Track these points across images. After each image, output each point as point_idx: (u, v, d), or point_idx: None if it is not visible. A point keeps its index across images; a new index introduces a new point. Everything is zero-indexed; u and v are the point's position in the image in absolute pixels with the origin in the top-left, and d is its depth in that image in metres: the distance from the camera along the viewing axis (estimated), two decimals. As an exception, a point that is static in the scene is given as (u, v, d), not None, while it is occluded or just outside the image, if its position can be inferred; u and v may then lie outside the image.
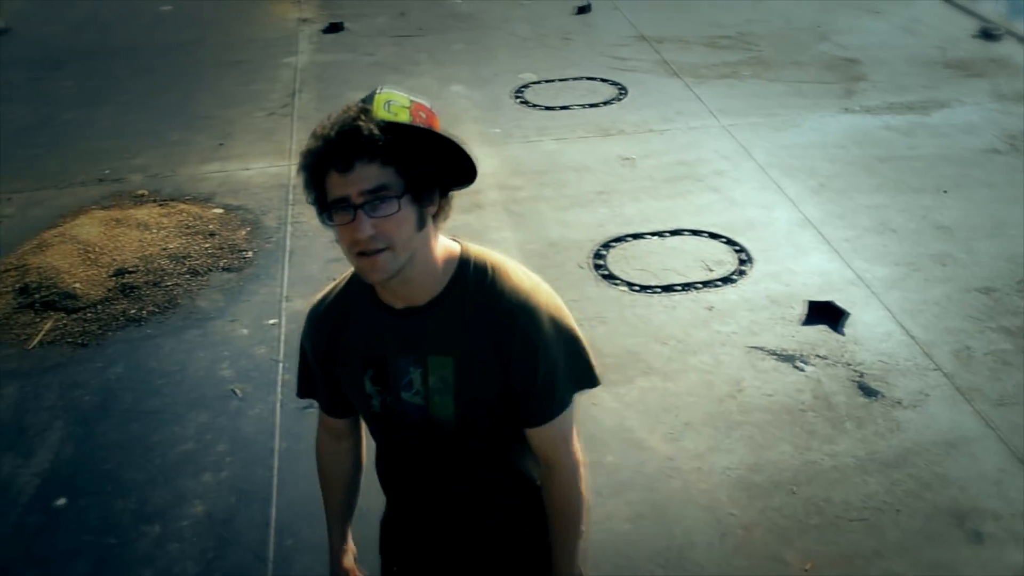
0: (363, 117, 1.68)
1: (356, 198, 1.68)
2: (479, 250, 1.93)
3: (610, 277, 5.02)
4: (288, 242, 5.41)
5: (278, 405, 4.17)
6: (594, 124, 6.86)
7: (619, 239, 5.35)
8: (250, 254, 5.33)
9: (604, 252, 5.24)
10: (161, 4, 9.82)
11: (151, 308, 4.84)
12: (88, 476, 3.82)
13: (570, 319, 1.93)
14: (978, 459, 3.79)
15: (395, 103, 1.72)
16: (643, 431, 3.96)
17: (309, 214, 5.59)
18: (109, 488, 3.76)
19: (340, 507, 2.28)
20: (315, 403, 2.19)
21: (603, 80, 7.63)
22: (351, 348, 1.95)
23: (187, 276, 5.09)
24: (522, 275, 1.91)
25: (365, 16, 9.26)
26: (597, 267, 5.08)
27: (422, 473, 2.04)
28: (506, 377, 1.87)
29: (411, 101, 1.75)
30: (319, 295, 2.04)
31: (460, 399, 1.88)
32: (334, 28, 8.91)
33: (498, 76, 7.72)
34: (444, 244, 1.89)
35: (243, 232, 5.53)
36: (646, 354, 4.43)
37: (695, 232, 5.40)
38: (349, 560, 2.29)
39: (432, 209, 1.81)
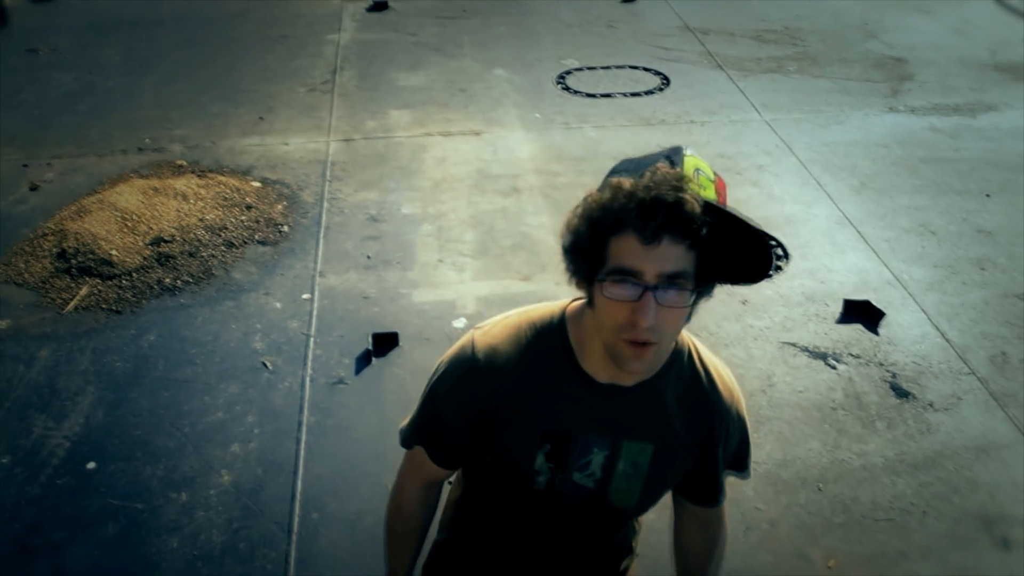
0: (684, 188, 1.45)
1: (652, 278, 1.47)
2: (688, 337, 1.80)
3: (644, 267, 4.98)
4: (324, 218, 5.43)
5: (307, 379, 4.18)
6: (635, 113, 6.81)
7: (655, 229, 5.31)
8: (286, 228, 5.35)
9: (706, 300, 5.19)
10: (208, -23, 9.86)
11: (186, 278, 4.88)
12: (118, 441, 3.86)
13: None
14: (1009, 465, 3.74)
15: (703, 174, 1.53)
16: (671, 422, 3.94)
17: (346, 191, 5.62)
18: (139, 454, 3.79)
19: (413, 553, 2.05)
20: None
21: (646, 69, 7.57)
22: (530, 416, 1.72)
23: (223, 247, 5.12)
24: (727, 370, 1.85)
25: (409, -4, 9.26)
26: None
27: (547, 537, 1.91)
28: (696, 463, 1.83)
29: (715, 175, 1.56)
30: (488, 340, 1.74)
31: (649, 485, 1.79)
32: (379, 7, 8.90)
33: (541, 61, 7.69)
34: None
35: (280, 206, 5.55)
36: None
37: (732, 225, 5.35)
38: None
39: (703, 301, 1.60)
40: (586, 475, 1.75)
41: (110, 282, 4.82)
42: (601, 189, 1.54)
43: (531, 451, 1.73)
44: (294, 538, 3.42)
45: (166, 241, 5.08)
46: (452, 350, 1.80)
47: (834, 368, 4.25)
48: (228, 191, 5.62)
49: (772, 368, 4.26)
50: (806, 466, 3.73)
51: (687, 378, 1.74)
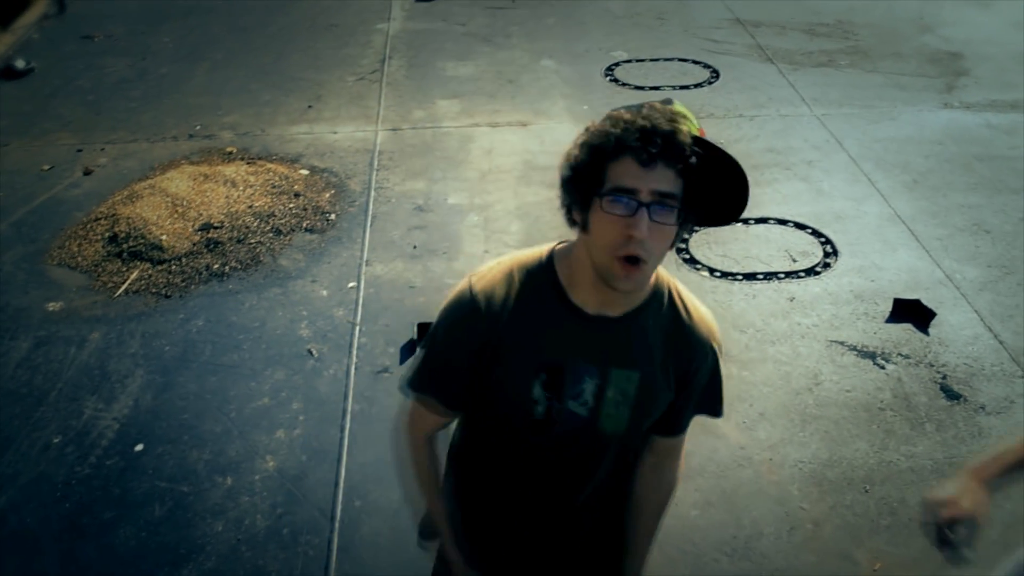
0: (679, 121, 1.65)
1: (646, 195, 1.63)
2: (671, 278, 1.94)
3: (691, 262, 4.95)
4: (371, 207, 5.45)
5: (352, 367, 4.21)
6: (684, 106, 6.74)
7: (702, 224, 5.27)
8: (333, 217, 5.38)
9: (686, 236, 5.16)
10: (259, -35, 9.93)
11: (234, 264, 4.92)
12: (166, 424, 3.92)
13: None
14: (1063, 472, 3.66)
15: (691, 120, 1.70)
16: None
17: (393, 180, 5.65)
18: (186, 438, 3.84)
19: (438, 484, 2.12)
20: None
21: (695, 62, 7.51)
22: (525, 348, 1.84)
23: (271, 235, 5.16)
24: (705, 309, 1.97)
25: (459, -14, 9.26)
26: (679, 251, 5.02)
27: (549, 475, 2.00)
28: (675, 395, 1.93)
29: (698, 124, 1.73)
30: (483, 279, 1.88)
31: (636, 412, 1.89)
32: (427, -3, 8.92)
33: (589, 53, 7.65)
34: None
35: (327, 194, 5.58)
36: (724, 340, 4.33)
37: (781, 221, 5.29)
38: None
39: (685, 235, 1.79)
40: (580, 403, 1.86)
41: (160, 267, 4.88)
42: (602, 122, 1.71)
43: (528, 381, 1.84)
44: (336, 525, 3.45)
45: (215, 227, 5.13)
46: (450, 295, 1.92)
47: (883, 368, 4.19)
48: (277, 179, 5.66)
49: (819, 367, 4.21)
50: (852, 467, 3.69)
51: (668, 313, 1.88)
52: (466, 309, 1.86)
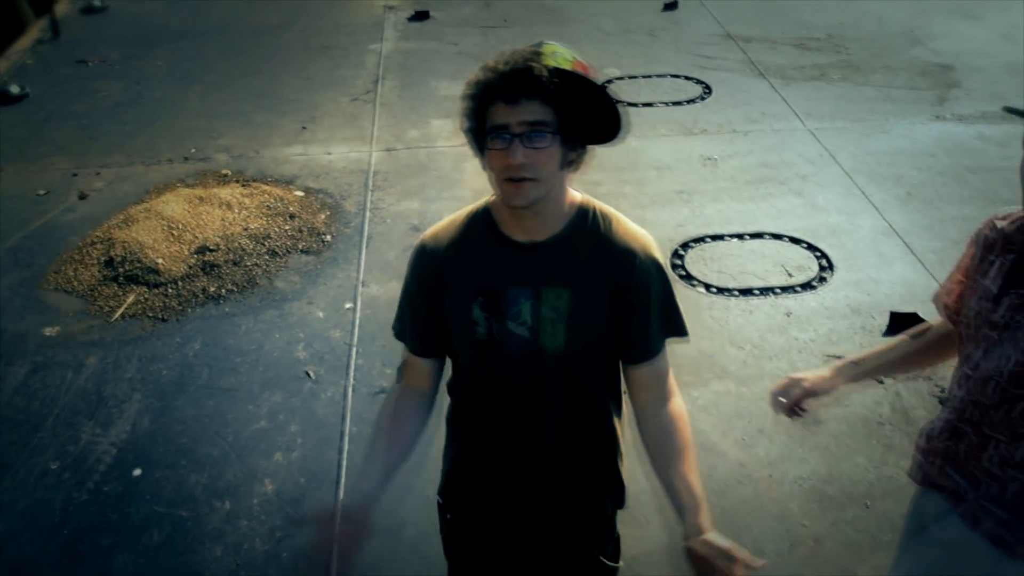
0: (535, 59, 1.87)
1: (516, 127, 1.86)
2: (598, 201, 2.11)
3: (688, 278, 4.96)
4: (366, 228, 5.46)
5: (350, 389, 4.20)
6: (677, 122, 6.78)
7: (698, 240, 5.29)
8: (329, 238, 5.38)
9: (683, 252, 5.18)
10: (252, -13, 9.98)
11: (230, 287, 4.92)
12: (164, 449, 3.90)
13: (669, 272, 2.14)
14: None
15: (560, 55, 1.91)
16: (715, 435, 3.91)
17: (388, 200, 5.66)
18: (183, 462, 3.83)
19: (393, 458, 2.15)
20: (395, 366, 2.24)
21: (688, 78, 7.54)
22: (464, 275, 2.07)
23: (267, 257, 5.16)
24: (636, 226, 2.11)
25: (451, 5, 9.29)
26: (675, 267, 5.03)
27: (513, 406, 2.14)
28: (617, 313, 2.05)
29: (574, 57, 1.94)
30: (432, 228, 2.17)
31: (572, 329, 2.03)
32: (420, 16, 8.95)
33: (581, 70, 7.68)
34: (570, 191, 2.06)
35: (323, 216, 5.59)
36: (721, 357, 4.37)
37: (776, 236, 5.31)
38: (369, 515, 2.12)
39: (573, 156, 1.97)
40: (519, 324, 2.04)
41: (156, 290, 4.88)
42: (476, 73, 1.95)
43: (468, 303, 2.05)
44: (336, 548, 3.42)
45: (211, 250, 5.13)
46: None
47: (880, 382, 4.19)
48: (272, 200, 5.67)
49: (817, 381, 4.21)
50: (852, 482, 3.68)
51: (593, 231, 2.05)
52: (416, 253, 2.15)
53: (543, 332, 2.03)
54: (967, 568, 2.09)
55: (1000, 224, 2.06)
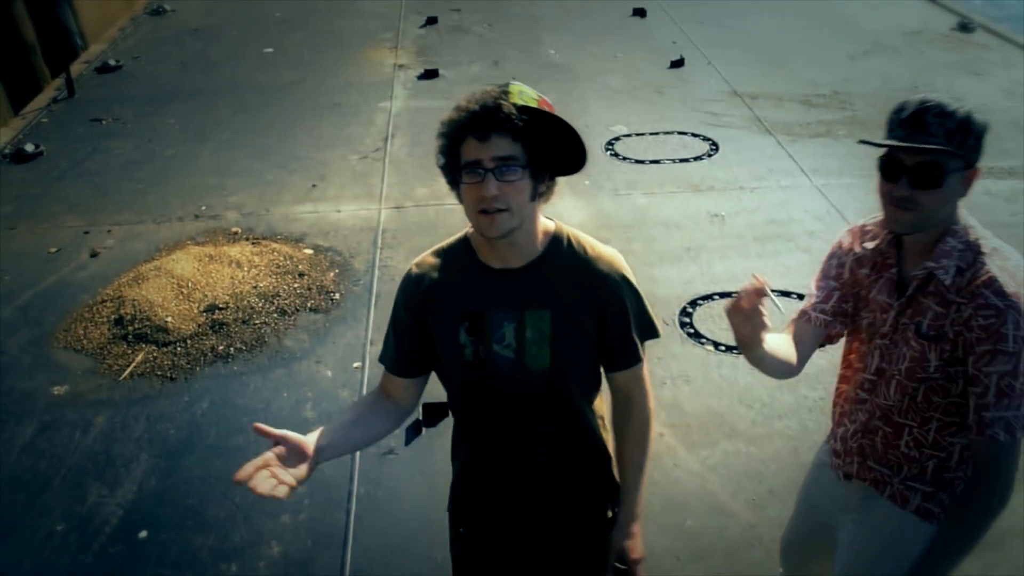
0: (503, 98, 2.02)
1: (488, 162, 2.00)
2: (568, 227, 2.27)
3: (696, 336, 4.95)
4: (375, 286, 5.48)
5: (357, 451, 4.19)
6: (684, 179, 6.82)
7: (706, 297, 5.29)
8: (338, 296, 5.40)
9: (691, 310, 5.18)
10: (264, 46, 10.11)
11: (239, 345, 4.93)
12: (171, 510, 3.89)
13: (636, 284, 2.28)
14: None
15: (526, 94, 2.06)
16: (725, 495, 3.88)
17: (397, 258, 5.68)
18: (190, 523, 3.81)
19: (343, 430, 2.18)
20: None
21: (695, 135, 7.60)
22: (449, 302, 2.21)
23: (276, 315, 5.18)
24: (605, 247, 2.27)
25: (460, 64, 9.40)
26: (683, 325, 5.03)
27: (504, 423, 2.27)
28: (599, 329, 2.20)
29: (539, 96, 2.10)
30: (418, 258, 2.31)
31: (556, 348, 2.18)
32: (429, 75, 9.06)
33: (590, 128, 7.74)
34: (542, 219, 2.21)
35: (332, 274, 5.62)
36: (731, 416, 4.35)
37: (784, 293, 5.30)
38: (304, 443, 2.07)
39: (542, 188, 2.13)
40: (504, 346, 2.18)
41: (165, 349, 4.89)
42: (450, 113, 2.08)
43: (454, 328, 2.20)
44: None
45: (220, 308, 5.15)
46: None
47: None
48: (281, 258, 5.70)
49: (827, 440, 4.18)
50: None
51: (567, 256, 2.20)
52: (403, 282, 2.29)
53: (528, 353, 2.18)
54: (903, 546, 2.30)
55: (869, 243, 2.40)
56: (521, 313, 2.17)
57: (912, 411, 2.32)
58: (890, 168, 2.18)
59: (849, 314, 2.48)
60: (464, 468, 2.41)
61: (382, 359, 2.36)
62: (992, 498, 2.17)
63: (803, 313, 2.53)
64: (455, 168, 2.07)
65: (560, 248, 2.21)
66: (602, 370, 2.34)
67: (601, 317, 2.20)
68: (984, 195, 6.46)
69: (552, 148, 2.09)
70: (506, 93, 2.04)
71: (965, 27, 10.12)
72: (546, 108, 2.09)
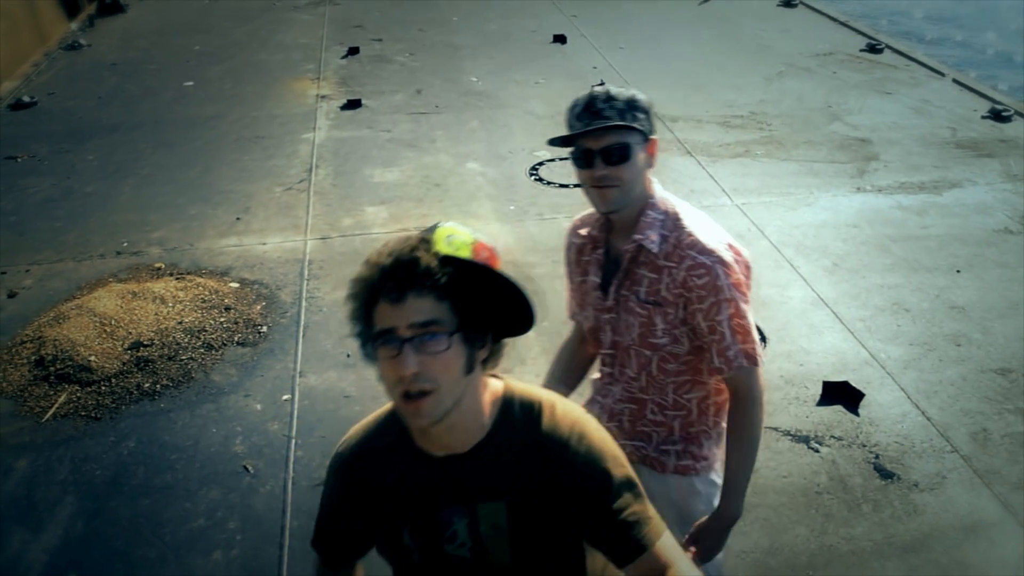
0: (422, 247, 1.64)
1: (404, 331, 1.61)
2: (523, 388, 1.85)
3: (624, 355, 5.01)
4: (303, 317, 5.44)
5: (289, 482, 4.15)
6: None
7: (633, 317, 5.35)
8: (265, 329, 5.35)
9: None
10: (185, 80, 10.01)
11: (165, 382, 4.86)
12: (98, 553, 3.80)
13: (615, 446, 1.84)
14: (997, 544, 3.74)
15: (456, 238, 1.67)
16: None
17: (324, 289, 5.66)
18: (119, 566, 3.74)
19: None
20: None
21: (617, 158, 7.68)
22: (387, 500, 1.83)
23: (202, 350, 5.11)
24: (569, 406, 1.85)
25: (383, 93, 9.41)
26: (611, 345, 5.08)
27: None
28: (568, 513, 1.77)
29: (474, 239, 1.70)
30: (346, 439, 1.91)
31: (516, 543, 1.79)
32: (352, 105, 9.05)
33: (514, 154, 7.81)
34: (487, 384, 1.80)
35: (258, 307, 5.57)
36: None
37: (709, 310, 5.40)
38: None
39: (483, 353, 1.74)
40: (457, 546, 1.80)
41: (89, 388, 4.80)
42: (361, 267, 1.70)
43: (397, 530, 1.83)
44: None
45: (145, 345, 5.07)
46: None
47: (817, 451, 4.26)
48: (206, 293, 5.63)
49: (755, 453, 4.26)
50: (794, 553, 3.71)
51: (520, 428, 1.78)
52: (331, 469, 1.91)
53: (487, 551, 1.80)
54: (677, 506, 2.60)
55: (583, 231, 2.67)
56: (472, 507, 1.78)
57: (651, 385, 2.61)
58: (583, 156, 2.44)
59: None
60: None
61: (316, 547, 2.02)
62: (755, 414, 2.51)
63: (572, 316, 2.85)
64: (370, 337, 1.68)
65: (511, 419, 1.78)
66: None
67: (567, 497, 1.75)
68: (897, 209, 6.67)
69: (491, 305, 1.68)
70: (427, 241, 1.65)
71: (873, 48, 10.45)
72: (484, 254, 1.69)
